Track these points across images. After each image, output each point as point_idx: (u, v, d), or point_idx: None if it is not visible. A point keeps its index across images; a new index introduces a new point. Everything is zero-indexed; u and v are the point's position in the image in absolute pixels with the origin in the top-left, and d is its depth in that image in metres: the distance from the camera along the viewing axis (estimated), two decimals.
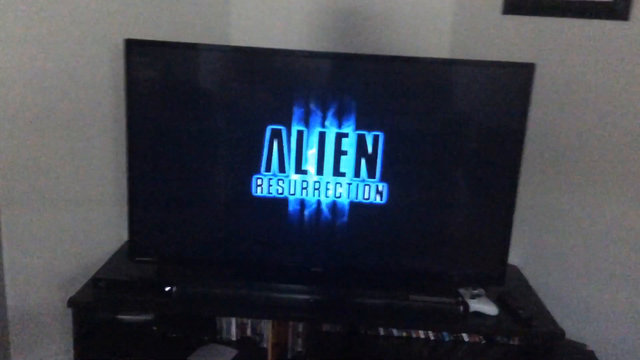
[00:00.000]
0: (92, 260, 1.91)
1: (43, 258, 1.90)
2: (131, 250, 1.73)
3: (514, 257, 1.94)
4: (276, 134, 1.63)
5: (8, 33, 1.73)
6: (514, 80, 1.61)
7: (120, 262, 1.81)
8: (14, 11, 1.71)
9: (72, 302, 1.61)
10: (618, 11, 1.67)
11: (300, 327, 1.76)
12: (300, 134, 1.63)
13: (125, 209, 1.72)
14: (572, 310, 1.86)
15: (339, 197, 1.67)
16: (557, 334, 1.60)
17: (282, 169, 1.66)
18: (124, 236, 1.91)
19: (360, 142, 1.63)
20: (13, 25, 1.72)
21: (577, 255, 1.85)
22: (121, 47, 1.60)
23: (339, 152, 1.64)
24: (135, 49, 1.61)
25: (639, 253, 1.74)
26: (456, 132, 1.67)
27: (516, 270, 1.94)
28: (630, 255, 1.75)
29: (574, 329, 1.83)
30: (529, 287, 1.84)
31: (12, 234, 1.86)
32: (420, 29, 2.03)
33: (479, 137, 1.67)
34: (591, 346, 1.82)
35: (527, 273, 1.93)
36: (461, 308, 1.63)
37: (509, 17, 1.88)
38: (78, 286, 1.70)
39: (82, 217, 1.92)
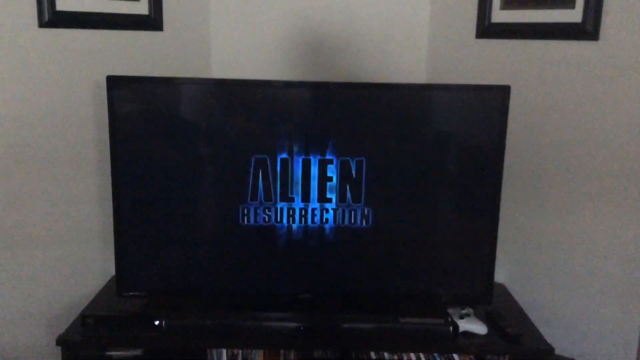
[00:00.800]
0: (79, 297, 1.90)
1: (29, 296, 1.88)
2: (119, 285, 1.72)
3: (500, 276, 1.97)
4: (261, 164, 1.65)
5: None
6: (491, 102, 1.65)
7: (108, 297, 1.80)
8: None
9: (60, 341, 1.59)
10: (587, 32, 1.72)
11: (292, 355, 1.75)
12: (284, 162, 1.65)
13: (111, 244, 1.72)
14: (559, 326, 1.88)
15: (326, 222, 1.69)
16: (546, 350, 1.62)
17: (268, 197, 1.67)
18: (111, 271, 1.90)
19: (344, 167, 1.66)
20: None
21: (562, 271, 1.88)
22: (103, 83, 1.62)
23: (323, 179, 1.66)
24: (117, 85, 1.63)
25: (623, 267, 1.77)
26: (437, 155, 1.70)
27: (503, 289, 1.96)
28: (615, 269, 1.78)
29: (561, 344, 1.85)
30: (516, 305, 1.87)
31: None
32: (396, 56, 2.08)
33: (459, 159, 1.71)
34: None
35: (514, 291, 1.95)
36: (451, 329, 1.64)
37: (483, 41, 1.93)
38: (66, 324, 1.68)
39: (66, 253, 1.91)
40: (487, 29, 1.91)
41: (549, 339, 1.66)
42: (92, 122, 1.87)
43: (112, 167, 1.66)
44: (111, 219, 1.70)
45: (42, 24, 1.74)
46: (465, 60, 1.98)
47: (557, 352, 1.70)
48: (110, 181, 1.67)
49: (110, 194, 1.68)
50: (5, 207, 1.81)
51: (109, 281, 1.92)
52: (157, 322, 1.62)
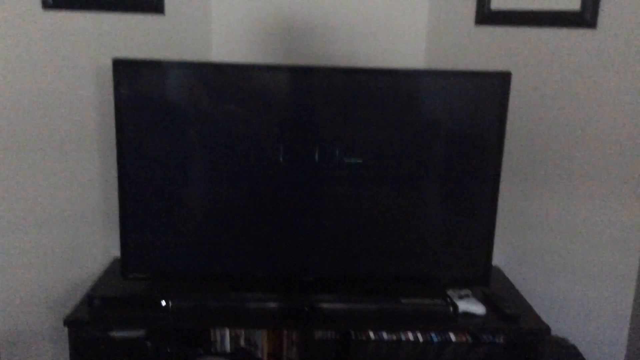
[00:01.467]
0: (82, 278, 1.91)
1: (33, 278, 1.89)
2: (124, 267, 1.74)
3: (497, 259, 2.01)
4: (262, 148, 1.67)
5: None
6: (492, 89, 1.68)
7: (112, 279, 1.82)
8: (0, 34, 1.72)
9: (68, 321, 1.61)
10: (586, 20, 1.75)
11: (294, 335, 1.79)
12: (284, 149, 1.67)
13: (115, 225, 1.73)
14: (554, 307, 1.94)
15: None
16: (543, 329, 1.67)
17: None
18: (114, 253, 1.92)
19: (342, 153, 1.68)
20: None
21: (557, 254, 1.93)
22: (106, 66, 1.62)
23: (321, 164, 1.69)
24: (123, 68, 1.63)
25: (616, 250, 1.82)
26: (437, 140, 1.73)
27: (499, 271, 2.01)
28: (609, 252, 1.83)
29: (556, 325, 1.91)
30: (512, 287, 1.91)
31: (2, 255, 1.85)
32: (395, 42, 2.10)
33: (460, 143, 1.73)
34: (573, 341, 1.89)
35: (510, 273, 2.00)
36: (451, 309, 1.68)
37: (482, 27, 1.96)
38: (69, 305, 1.70)
39: (69, 236, 1.92)
40: (486, 16, 1.93)
41: (544, 320, 1.71)
42: (94, 105, 1.87)
43: (117, 150, 1.67)
44: (114, 202, 1.71)
45: (46, 5, 1.74)
46: (464, 47, 2.01)
47: (552, 332, 1.75)
48: (113, 164, 1.69)
49: (114, 177, 1.70)
50: (9, 189, 1.82)
51: (112, 263, 1.94)
52: (163, 303, 1.65)
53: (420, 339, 1.84)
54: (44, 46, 1.77)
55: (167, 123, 1.69)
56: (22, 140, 1.80)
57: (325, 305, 1.70)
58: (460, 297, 1.73)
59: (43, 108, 1.81)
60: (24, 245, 1.87)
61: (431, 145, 1.73)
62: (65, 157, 1.87)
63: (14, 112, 1.77)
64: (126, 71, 1.64)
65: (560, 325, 1.92)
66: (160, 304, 1.65)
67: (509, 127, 1.69)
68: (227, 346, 1.82)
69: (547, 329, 1.66)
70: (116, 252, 1.92)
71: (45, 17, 1.75)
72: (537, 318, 1.71)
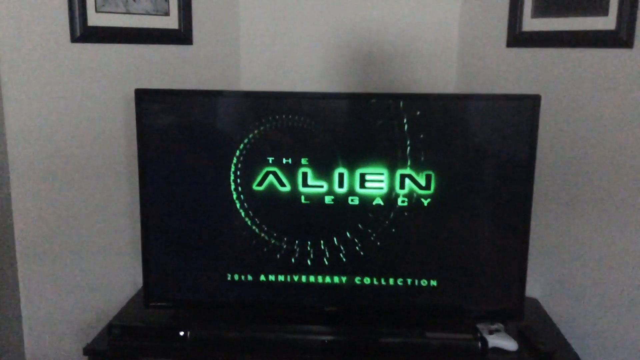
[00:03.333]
0: (108, 307, 1.92)
1: (60, 306, 1.92)
2: (146, 296, 1.74)
3: (534, 290, 1.91)
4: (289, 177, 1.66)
5: (25, 88, 1.78)
6: (522, 112, 1.62)
7: (136, 308, 1.82)
8: (30, 66, 1.77)
9: (87, 350, 1.61)
10: (622, 39, 1.67)
11: None
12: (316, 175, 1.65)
13: (139, 255, 1.74)
14: (596, 344, 1.81)
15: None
16: None
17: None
18: (139, 282, 1.92)
19: (373, 179, 1.65)
20: (29, 81, 1.78)
21: (598, 285, 1.81)
22: (132, 96, 1.64)
23: (353, 193, 1.65)
24: (145, 98, 1.65)
25: None
26: (467, 166, 1.67)
27: (536, 303, 1.90)
28: None
29: None
30: (549, 321, 1.81)
31: (29, 284, 1.88)
32: (427, 65, 2.06)
33: (490, 169, 1.67)
34: None
35: (547, 306, 1.90)
36: (479, 344, 1.60)
37: (514, 49, 1.90)
38: (94, 334, 1.71)
39: (97, 264, 1.94)
40: (517, 38, 1.87)
41: (582, 358, 1.60)
42: (123, 136, 1.90)
43: (140, 179, 1.68)
44: (139, 231, 1.72)
45: (74, 39, 1.79)
46: (495, 69, 1.95)
47: None
48: (138, 193, 1.69)
49: (139, 207, 1.71)
50: (37, 218, 1.86)
51: (138, 292, 1.94)
52: (181, 333, 1.63)
53: None
54: (72, 78, 1.82)
55: (190, 152, 1.69)
56: (52, 170, 1.84)
57: (347, 338, 1.64)
58: (491, 332, 1.64)
59: (72, 139, 1.85)
60: (52, 273, 1.90)
61: (461, 169, 1.67)
62: (94, 186, 1.91)
63: (43, 143, 1.82)
64: (149, 101, 1.65)
65: None
66: (179, 334, 1.63)
67: (542, 151, 1.62)
68: None
69: None
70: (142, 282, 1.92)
71: (74, 50, 1.80)
72: (575, 356, 1.61)
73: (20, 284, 1.88)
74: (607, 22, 1.70)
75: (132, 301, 1.89)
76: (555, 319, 1.82)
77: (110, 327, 1.66)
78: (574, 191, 1.83)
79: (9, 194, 1.81)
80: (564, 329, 1.76)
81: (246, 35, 2.07)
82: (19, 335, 1.90)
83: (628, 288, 1.76)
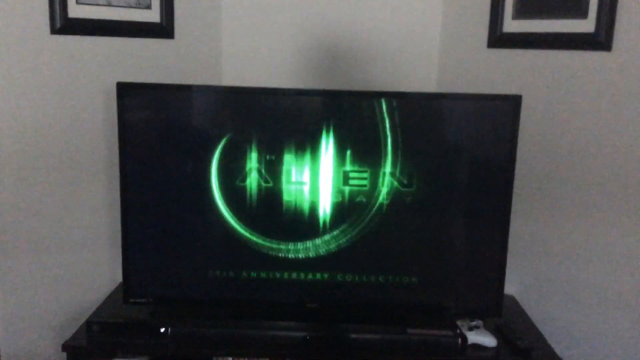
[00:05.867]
0: (87, 303, 1.89)
1: (37, 302, 1.89)
2: (125, 292, 1.72)
3: (511, 287, 1.94)
4: (269, 172, 1.65)
5: (2, 80, 1.74)
6: (503, 112, 1.64)
7: (115, 304, 1.80)
8: (8, 58, 1.73)
9: (66, 347, 1.59)
10: (600, 42, 1.70)
11: None
12: (294, 170, 1.65)
13: (118, 251, 1.72)
14: (571, 338, 1.85)
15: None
16: None
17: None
18: (119, 278, 1.90)
19: (351, 177, 1.65)
20: (7, 73, 1.74)
21: (575, 283, 1.85)
22: (113, 91, 1.62)
23: (334, 189, 1.66)
24: (127, 92, 1.63)
25: (638, 280, 1.73)
26: (447, 165, 1.68)
27: (513, 301, 1.93)
28: (630, 282, 1.74)
29: (573, 357, 1.82)
30: (526, 317, 1.84)
31: (5, 279, 1.85)
32: (407, 65, 2.07)
33: (470, 168, 1.69)
34: None
35: (525, 303, 1.93)
36: (459, 340, 1.62)
37: (494, 50, 1.92)
38: (72, 330, 1.68)
39: (75, 260, 1.92)
40: (498, 39, 1.90)
41: (560, 353, 1.63)
42: (102, 130, 1.88)
43: (120, 174, 1.66)
44: (120, 226, 1.70)
45: (54, 30, 1.76)
46: (476, 69, 1.97)
47: None
48: (119, 189, 1.67)
49: (119, 201, 1.69)
50: (14, 212, 1.82)
51: (117, 288, 1.92)
52: (162, 330, 1.61)
53: None
54: (51, 70, 1.79)
55: (171, 147, 1.68)
56: (29, 162, 1.81)
57: (329, 334, 1.65)
58: (470, 328, 1.66)
59: (49, 132, 1.82)
60: (29, 268, 1.87)
61: (441, 168, 1.68)
62: (72, 180, 1.88)
63: (21, 135, 1.79)
64: (130, 95, 1.64)
65: (577, 358, 1.83)
66: (159, 330, 1.62)
67: (522, 151, 1.64)
68: None
69: None
70: (121, 278, 1.90)
71: (53, 42, 1.77)
72: (552, 352, 1.64)
73: None
74: (586, 25, 1.73)
75: (110, 297, 1.87)
76: (531, 315, 1.85)
77: (88, 323, 1.64)
78: (551, 191, 1.86)
79: None
80: (540, 325, 1.79)
81: (228, 30, 2.05)
82: None
83: (601, 285, 1.80)
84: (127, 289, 1.72)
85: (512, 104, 1.62)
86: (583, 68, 1.76)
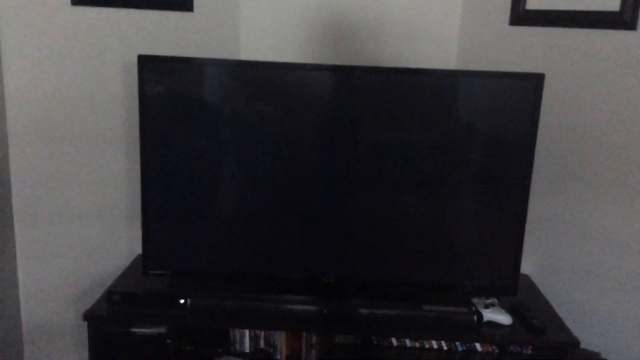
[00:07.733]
0: (106, 273, 1.92)
1: (57, 272, 1.92)
2: (145, 263, 1.74)
3: (527, 267, 1.95)
4: (287, 146, 1.65)
5: (24, 51, 1.75)
6: (524, 90, 1.62)
7: (134, 275, 1.82)
8: (29, 29, 1.74)
9: (87, 316, 1.62)
10: (626, 21, 1.68)
11: (314, 338, 1.76)
12: (310, 146, 1.65)
13: (138, 222, 1.74)
14: (585, 319, 1.86)
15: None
16: (571, 343, 1.60)
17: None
18: (137, 250, 1.92)
19: (370, 154, 1.65)
20: (29, 44, 1.75)
21: (590, 263, 1.85)
22: (132, 62, 1.62)
23: (349, 165, 1.66)
24: (148, 65, 1.63)
25: None
26: (466, 144, 1.68)
27: (528, 280, 1.94)
28: None
29: (587, 338, 1.83)
30: (541, 297, 1.85)
31: (27, 248, 1.88)
32: (427, 42, 2.05)
33: (489, 147, 1.68)
34: (605, 355, 1.81)
35: (540, 282, 1.93)
36: (475, 318, 1.63)
37: (516, 28, 1.90)
38: (92, 300, 1.71)
39: (95, 231, 1.94)
40: (521, 16, 1.87)
41: (574, 332, 1.64)
42: (121, 101, 1.88)
43: (140, 146, 1.67)
44: (139, 199, 1.71)
45: (75, 1, 1.75)
46: (497, 47, 1.95)
47: (583, 345, 1.68)
48: (138, 160, 1.68)
49: (139, 173, 1.69)
50: (34, 183, 1.84)
51: (135, 259, 1.95)
52: (182, 301, 1.64)
53: (445, 347, 1.79)
54: (72, 42, 1.79)
55: (191, 120, 1.68)
56: (50, 133, 1.82)
57: (344, 309, 1.67)
58: (486, 306, 1.68)
59: (70, 104, 1.83)
60: (49, 239, 1.89)
61: (459, 147, 1.68)
62: (92, 153, 1.89)
63: (42, 106, 1.80)
64: (151, 67, 1.63)
65: (592, 338, 1.84)
66: (179, 301, 1.64)
67: (542, 130, 1.63)
68: (247, 347, 1.80)
69: (576, 342, 1.60)
70: (140, 249, 1.92)
71: (74, 13, 1.77)
72: (566, 330, 1.65)
73: (17, 248, 1.87)
74: (611, 3, 1.70)
75: (130, 268, 1.89)
76: (546, 295, 1.86)
77: (109, 293, 1.66)
78: (571, 172, 1.85)
79: (7, 155, 1.79)
80: (555, 305, 1.80)
81: (246, 3, 2.04)
82: (15, 299, 1.89)
83: (617, 266, 1.80)
84: (146, 260, 1.74)
85: (534, 82, 1.61)
86: (607, 47, 1.74)
